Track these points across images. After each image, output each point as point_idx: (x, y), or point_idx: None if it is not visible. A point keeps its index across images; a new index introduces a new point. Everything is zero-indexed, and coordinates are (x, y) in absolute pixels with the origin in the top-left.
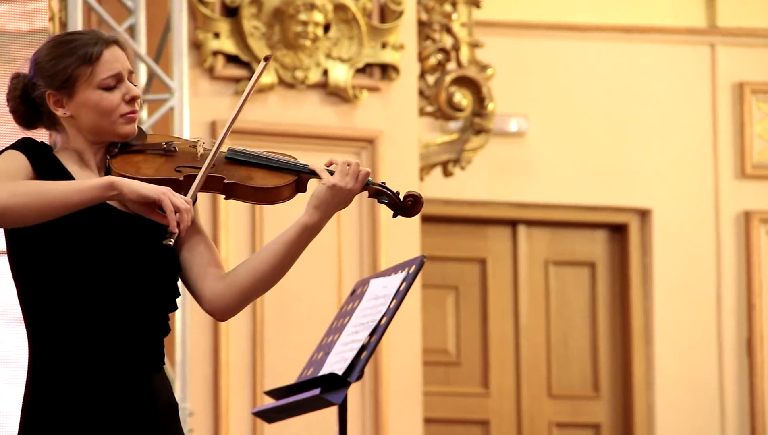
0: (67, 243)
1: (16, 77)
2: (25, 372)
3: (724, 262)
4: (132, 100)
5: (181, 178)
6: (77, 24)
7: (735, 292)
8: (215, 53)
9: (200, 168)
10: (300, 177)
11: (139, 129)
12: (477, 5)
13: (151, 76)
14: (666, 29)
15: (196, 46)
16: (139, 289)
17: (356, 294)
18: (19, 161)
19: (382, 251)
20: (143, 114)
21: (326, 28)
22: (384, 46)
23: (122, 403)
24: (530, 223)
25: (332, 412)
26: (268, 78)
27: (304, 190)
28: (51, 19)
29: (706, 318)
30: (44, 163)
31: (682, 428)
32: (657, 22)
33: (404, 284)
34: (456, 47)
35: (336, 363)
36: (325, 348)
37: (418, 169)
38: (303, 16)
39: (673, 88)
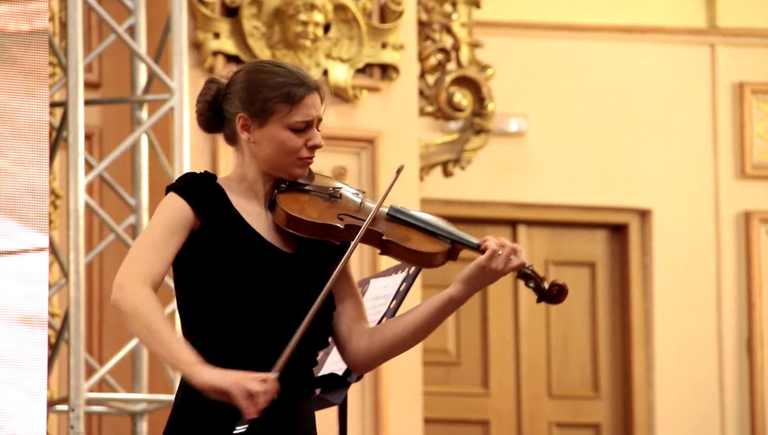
0: (231, 280)
1: (212, 82)
2: (28, 373)
3: (724, 262)
4: (313, 148)
5: (342, 227)
6: (77, 24)
7: (735, 292)
8: (215, 53)
9: (361, 218)
10: (454, 246)
11: (309, 169)
12: (477, 5)
13: (151, 76)
14: (666, 29)
15: (196, 46)
16: (295, 325)
17: None
18: (180, 209)
19: None
20: (143, 114)
21: (326, 28)
22: (384, 46)
23: (264, 423)
24: (530, 223)
25: (332, 412)
26: None
27: (455, 259)
28: (51, 19)
29: (706, 318)
30: (208, 204)
31: (682, 428)
32: (657, 22)
33: (404, 284)
34: (456, 47)
35: (336, 363)
36: (325, 348)
37: (418, 169)
38: (303, 16)
39: (672, 88)
